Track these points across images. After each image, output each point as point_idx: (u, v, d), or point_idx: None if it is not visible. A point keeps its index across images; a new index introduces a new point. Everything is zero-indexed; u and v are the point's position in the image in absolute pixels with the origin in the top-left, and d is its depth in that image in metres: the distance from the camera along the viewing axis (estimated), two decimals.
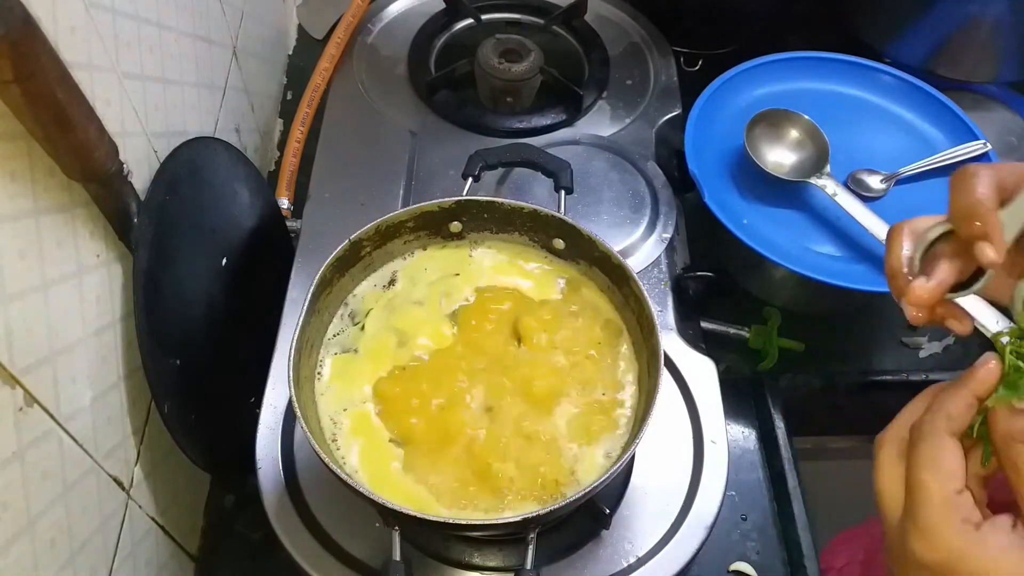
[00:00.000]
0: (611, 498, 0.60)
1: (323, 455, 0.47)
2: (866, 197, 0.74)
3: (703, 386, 0.66)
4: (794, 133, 0.77)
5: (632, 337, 0.58)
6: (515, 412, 0.54)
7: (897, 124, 0.83)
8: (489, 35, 0.86)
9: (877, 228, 0.70)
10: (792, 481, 0.73)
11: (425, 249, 0.62)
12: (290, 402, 0.54)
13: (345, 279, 0.59)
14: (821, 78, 0.84)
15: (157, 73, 0.62)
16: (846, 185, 0.74)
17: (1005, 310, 0.43)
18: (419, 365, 0.56)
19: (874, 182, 0.76)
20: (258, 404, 0.64)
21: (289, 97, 1.00)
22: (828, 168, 0.74)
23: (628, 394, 0.56)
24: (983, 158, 0.78)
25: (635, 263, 0.74)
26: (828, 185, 0.73)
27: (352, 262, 0.59)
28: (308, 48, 1.04)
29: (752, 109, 0.80)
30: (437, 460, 0.52)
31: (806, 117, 0.77)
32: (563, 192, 0.66)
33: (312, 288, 0.54)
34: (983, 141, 0.78)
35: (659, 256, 0.75)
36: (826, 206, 0.75)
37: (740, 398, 0.79)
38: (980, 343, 0.84)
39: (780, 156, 0.77)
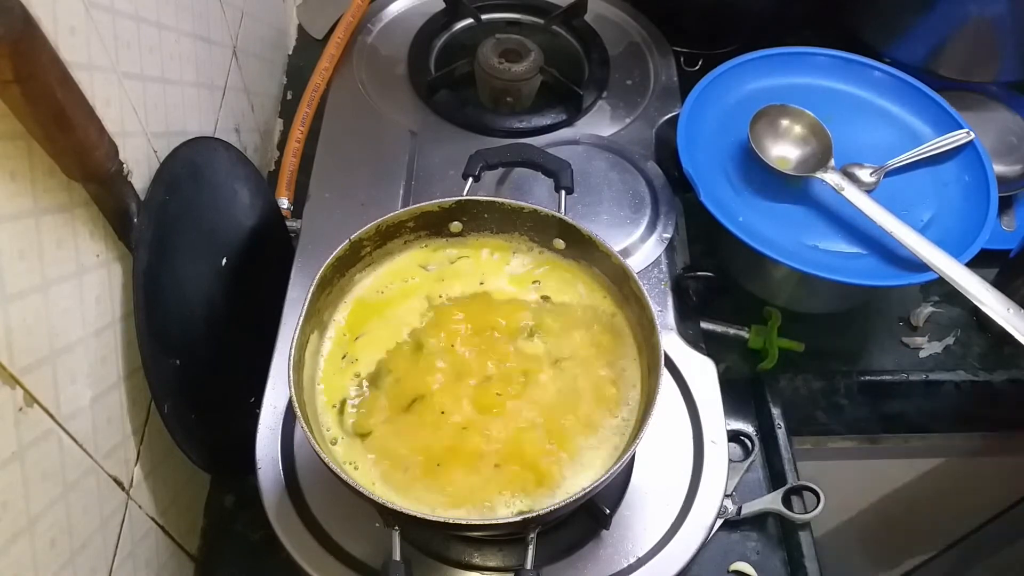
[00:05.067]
0: (611, 498, 0.60)
1: (323, 455, 0.47)
2: None
3: (703, 386, 0.66)
4: (797, 129, 0.77)
5: (632, 337, 0.58)
6: (511, 410, 0.54)
7: (884, 117, 0.83)
8: (489, 35, 0.86)
9: (884, 220, 0.70)
10: (792, 481, 0.73)
11: (426, 248, 0.62)
12: (290, 402, 0.54)
13: (345, 279, 0.59)
14: (808, 73, 0.85)
15: (157, 73, 0.62)
16: None
17: None
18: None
19: (864, 175, 0.77)
20: (258, 404, 0.64)
21: (289, 97, 1.00)
22: (832, 162, 0.74)
23: (628, 394, 0.56)
24: (968, 146, 0.78)
25: (635, 263, 0.74)
26: (834, 179, 0.73)
27: (352, 262, 0.59)
28: (308, 48, 1.04)
29: (742, 106, 0.80)
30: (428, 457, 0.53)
31: (809, 112, 0.77)
32: (563, 192, 0.66)
33: (312, 288, 0.54)
34: (967, 130, 0.78)
35: (659, 256, 0.75)
36: (825, 202, 0.75)
37: (740, 398, 0.79)
38: (981, 344, 0.84)
39: (783, 151, 0.77)
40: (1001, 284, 0.68)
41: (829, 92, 0.84)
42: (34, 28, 0.41)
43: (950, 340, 0.84)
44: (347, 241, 0.57)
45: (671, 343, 0.69)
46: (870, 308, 0.86)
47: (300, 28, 1.06)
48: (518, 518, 0.47)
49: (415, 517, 0.47)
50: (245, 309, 0.70)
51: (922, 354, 0.84)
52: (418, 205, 0.60)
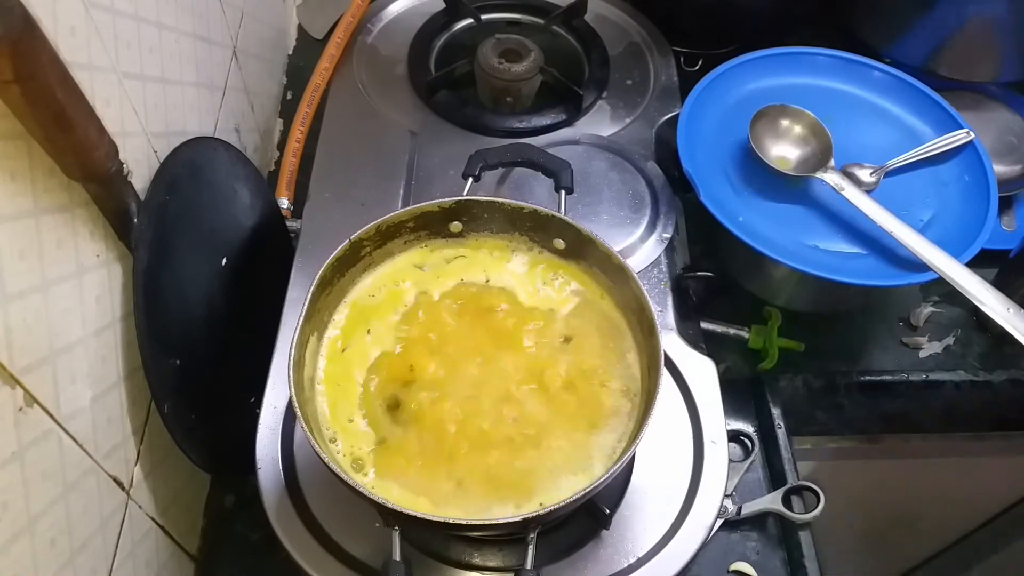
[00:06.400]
0: (611, 498, 0.60)
1: (323, 455, 0.47)
2: None
3: (703, 386, 0.66)
4: (797, 129, 0.78)
5: (632, 337, 0.58)
6: (509, 410, 0.54)
7: (884, 117, 0.83)
8: (489, 35, 0.86)
9: (884, 220, 0.70)
10: (792, 481, 0.73)
11: (425, 248, 0.62)
12: (290, 402, 0.54)
13: (345, 279, 0.59)
14: (808, 73, 0.85)
15: (157, 73, 0.62)
16: None
17: None
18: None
19: (864, 175, 0.77)
20: (258, 404, 0.64)
21: (289, 97, 1.00)
22: (832, 162, 0.74)
23: (628, 394, 0.56)
24: (967, 146, 0.78)
25: (635, 263, 0.74)
26: (834, 179, 0.73)
27: (352, 262, 0.59)
28: (308, 48, 1.04)
29: (742, 106, 0.80)
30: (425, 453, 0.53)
31: (808, 112, 0.77)
32: (563, 192, 0.66)
33: (312, 288, 0.54)
34: (967, 130, 0.79)
35: (659, 256, 0.75)
36: (825, 202, 0.75)
37: (740, 398, 0.79)
38: (981, 344, 0.84)
39: (783, 151, 0.77)
40: (1001, 284, 0.68)
41: (829, 92, 0.84)
42: (34, 28, 0.41)
43: (950, 340, 0.84)
44: (347, 241, 0.57)
45: (671, 343, 0.68)
46: (870, 308, 0.86)
47: (300, 28, 1.06)
48: (518, 518, 0.47)
49: (415, 517, 0.47)
50: (245, 309, 0.70)
51: (922, 354, 0.84)
52: (418, 205, 0.60)
